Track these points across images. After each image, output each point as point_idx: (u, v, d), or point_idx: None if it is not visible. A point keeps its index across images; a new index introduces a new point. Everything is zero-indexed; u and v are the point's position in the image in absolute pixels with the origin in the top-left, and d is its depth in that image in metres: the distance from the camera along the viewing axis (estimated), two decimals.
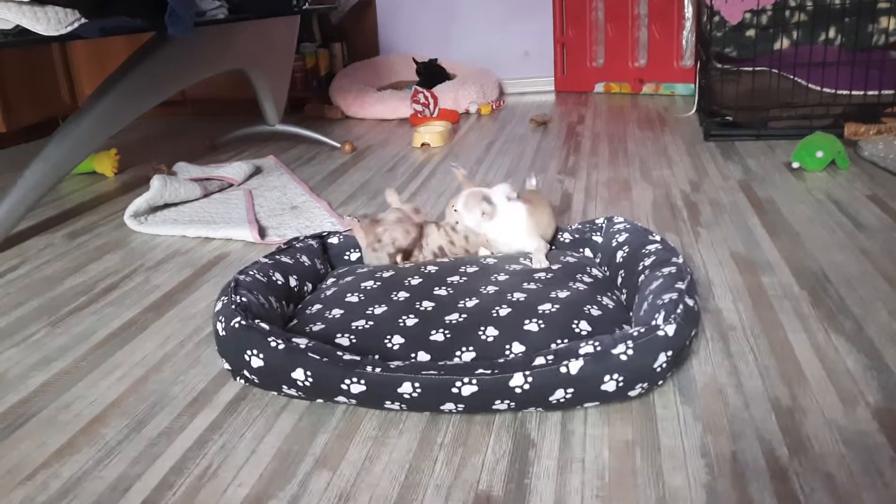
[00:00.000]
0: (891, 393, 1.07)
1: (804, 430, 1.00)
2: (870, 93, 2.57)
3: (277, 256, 1.47)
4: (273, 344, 1.10)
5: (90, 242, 2.02)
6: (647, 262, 1.36)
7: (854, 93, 2.58)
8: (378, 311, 1.28)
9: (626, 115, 3.35)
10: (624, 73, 3.90)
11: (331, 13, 4.04)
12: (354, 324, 1.25)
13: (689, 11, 3.60)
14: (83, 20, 1.70)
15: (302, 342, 1.11)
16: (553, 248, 1.61)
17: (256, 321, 1.15)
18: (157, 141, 3.50)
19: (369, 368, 1.06)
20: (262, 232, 1.97)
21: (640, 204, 2.03)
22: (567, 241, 1.63)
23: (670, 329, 1.08)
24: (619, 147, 2.72)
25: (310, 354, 1.08)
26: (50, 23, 1.63)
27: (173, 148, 3.28)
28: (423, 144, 2.97)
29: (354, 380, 1.06)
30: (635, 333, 1.07)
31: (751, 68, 2.72)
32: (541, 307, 1.24)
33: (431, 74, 3.84)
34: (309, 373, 1.08)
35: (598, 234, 1.59)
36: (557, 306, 1.24)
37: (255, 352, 1.11)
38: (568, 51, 4.04)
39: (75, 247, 1.99)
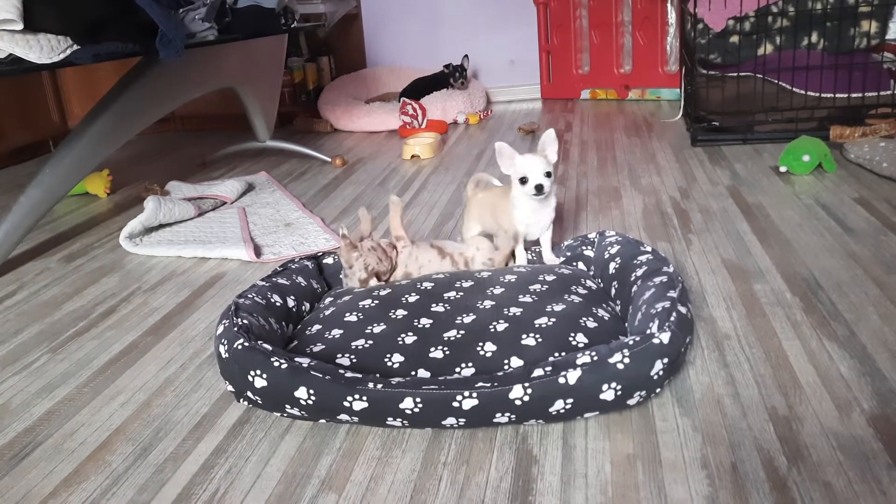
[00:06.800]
0: (884, 399, 1.09)
1: (801, 439, 1.01)
2: (853, 95, 2.61)
3: (274, 279, 1.48)
4: (276, 364, 1.12)
5: (86, 265, 2.02)
6: (639, 272, 1.38)
7: (838, 95, 2.61)
8: (377, 329, 1.30)
9: (613, 122, 3.37)
10: (609, 79, 3.93)
11: (317, 28, 4.06)
12: (354, 343, 1.26)
13: (672, 17, 3.63)
14: (75, 47, 1.71)
15: (304, 361, 1.13)
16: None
17: (259, 342, 1.17)
18: (148, 159, 3.50)
19: (371, 385, 1.08)
20: (258, 250, 1.98)
21: (630, 213, 2.05)
22: (560, 258, 1.64)
23: (665, 337, 1.10)
24: (607, 154, 2.75)
25: (312, 373, 1.10)
26: (43, 51, 1.64)
27: (164, 165, 3.29)
28: (413, 156, 2.99)
29: (356, 396, 1.07)
30: (631, 342, 1.09)
31: (735, 74, 2.75)
32: (537, 321, 1.26)
33: (416, 87, 3.88)
34: (312, 391, 1.09)
35: (591, 248, 1.61)
36: (553, 320, 1.26)
37: (258, 372, 1.12)
38: (553, 58, 4.06)
39: (72, 270, 1.99)
